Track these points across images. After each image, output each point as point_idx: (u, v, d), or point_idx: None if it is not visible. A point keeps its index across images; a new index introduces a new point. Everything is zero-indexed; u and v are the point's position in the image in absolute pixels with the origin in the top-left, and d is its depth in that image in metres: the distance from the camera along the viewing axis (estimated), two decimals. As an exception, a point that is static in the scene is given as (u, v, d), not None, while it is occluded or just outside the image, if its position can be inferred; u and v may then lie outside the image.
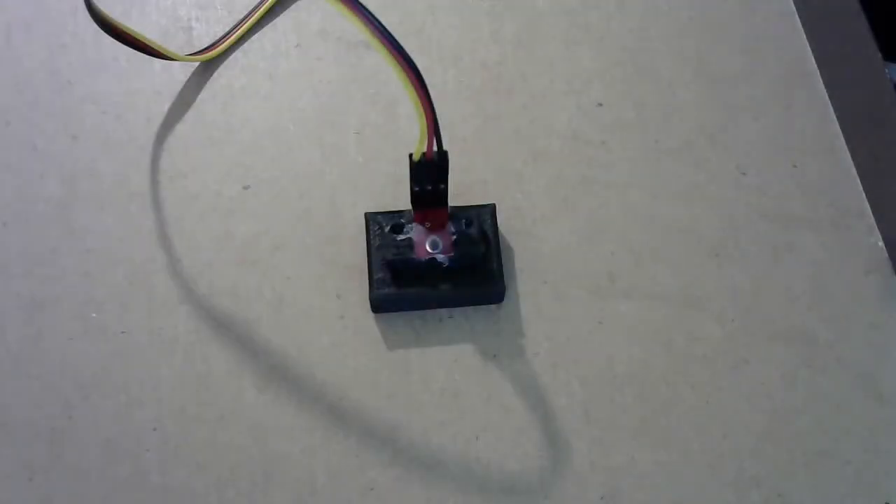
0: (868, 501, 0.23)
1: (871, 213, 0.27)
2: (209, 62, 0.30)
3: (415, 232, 0.25)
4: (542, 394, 0.24)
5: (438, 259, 0.24)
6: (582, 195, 0.27)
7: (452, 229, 0.25)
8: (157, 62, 0.30)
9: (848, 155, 0.28)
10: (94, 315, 0.25)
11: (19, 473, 0.23)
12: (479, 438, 0.23)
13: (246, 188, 0.27)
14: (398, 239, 0.25)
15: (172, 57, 0.28)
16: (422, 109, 0.21)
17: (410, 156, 0.23)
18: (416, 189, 0.24)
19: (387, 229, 0.25)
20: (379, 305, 0.25)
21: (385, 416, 0.24)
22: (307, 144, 0.27)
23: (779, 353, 0.25)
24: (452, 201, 0.25)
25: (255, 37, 0.31)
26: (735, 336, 0.25)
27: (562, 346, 0.25)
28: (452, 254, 0.24)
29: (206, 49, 0.30)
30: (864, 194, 0.27)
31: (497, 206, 0.26)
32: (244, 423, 0.23)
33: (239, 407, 0.24)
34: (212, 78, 0.30)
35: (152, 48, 0.27)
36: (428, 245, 0.24)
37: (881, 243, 0.27)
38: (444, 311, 0.25)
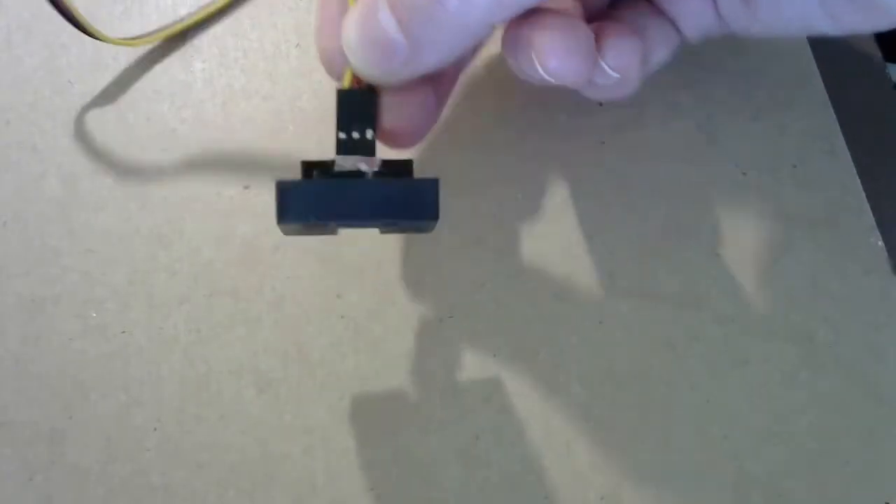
0: (868, 501, 0.23)
1: (870, 213, 0.27)
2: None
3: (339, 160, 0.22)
4: (542, 394, 0.24)
5: (362, 168, 0.21)
6: (581, 194, 0.27)
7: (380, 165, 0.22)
8: (157, 62, 0.30)
9: (848, 155, 0.28)
10: (94, 315, 0.25)
11: (19, 473, 0.23)
12: (479, 438, 0.23)
13: (246, 188, 0.27)
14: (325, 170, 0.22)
15: (101, 38, 0.28)
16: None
17: (338, 90, 0.21)
18: (342, 136, 0.21)
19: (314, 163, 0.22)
20: (288, 210, 0.20)
21: (385, 416, 0.24)
22: (307, 144, 0.27)
23: (778, 353, 0.25)
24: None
25: (254, 36, 0.31)
26: (735, 336, 0.25)
27: (562, 345, 0.25)
28: (378, 168, 0.21)
29: (137, 37, 0.29)
30: (863, 194, 0.27)
31: (499, 205, 0.26)
32: (244, 423, 0.23)
33: (239, 407, 0.24)
34: (212, 78, 0.30)
35: (80, 21, 0.26)
36: (351, 163, 0.22)
37: (881, 243, 0.27)
38: (444, 311, 0.25)
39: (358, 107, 0.22)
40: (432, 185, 0.21)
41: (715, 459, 0.23)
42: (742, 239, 0.27)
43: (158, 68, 0.30)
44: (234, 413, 0.24)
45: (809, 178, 0.28)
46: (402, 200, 0.20)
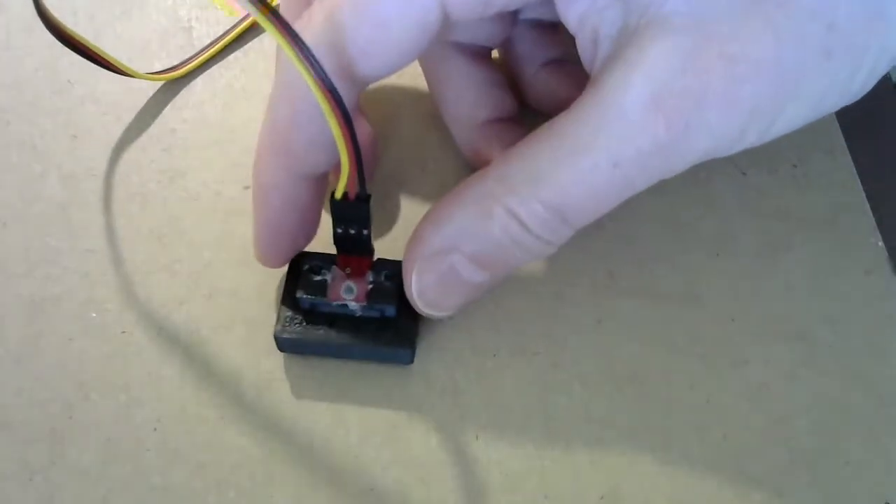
0: (868, 501, 0.23)
1: (870, 213, 0.27)
2: (178, 80, 0.30)
3: (332, 275, 0.23)
4: (542, 394, 0.24)
5: (350, 307, 0.23)
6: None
7: (371, 279, 0.23)
8: (157, 61, 0.30)
9: (848, 155, 0.28)
10: (94, 315, 0.25)
11: (19, 473, 0.23)
12: (478, 438, 0.23)
13: (246, 188, 0.27)
14: (314, 279, 0.23)
15: (132, 74, 0.28)
16: (343, 143, 0.19)
17: (332, 194, 0.22)
18: (339, 231, 0.23)
19: (305, 268, 0.24)
20: (283, 345, 0.24)
21: (385, 416, 0.24)
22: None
23: (778, 353, 0.25)
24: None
25: (254, 37, 0.31)
26: (735, 335, 0.25)
27: (561, 345, 0.25)
28: (365, 303, 0.23)
29: (168, 70, 0.29)
30: (863, 194, 0.27)
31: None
32: (244, 423, 0.23)
33: (239, 407, 0.24)
34: (212, 78, 0.30)
35: (110, 63, 0.27)
36: (342, 290, 0.23)
37: (881, 243, 0.27)
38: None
39: (353, 211, 0.22)
40: (407, 348, 0.24)
41: (715, 459, 0.23)
42: (742, 239, 0.27)
43: (158, 68, 0.30)
44: (234, 413, 0.24)
45: (809, 178, 0.28)
46: (381, 352, 0.24)
